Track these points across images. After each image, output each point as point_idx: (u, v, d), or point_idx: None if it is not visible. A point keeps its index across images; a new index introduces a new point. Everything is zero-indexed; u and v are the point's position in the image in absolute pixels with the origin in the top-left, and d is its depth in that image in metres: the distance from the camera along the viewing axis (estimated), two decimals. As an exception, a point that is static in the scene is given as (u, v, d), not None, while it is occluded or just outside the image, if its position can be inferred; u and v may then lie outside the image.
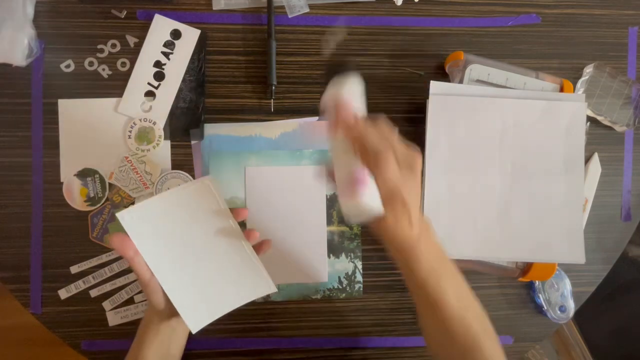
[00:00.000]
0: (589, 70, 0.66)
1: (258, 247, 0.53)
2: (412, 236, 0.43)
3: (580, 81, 0.66)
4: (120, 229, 0.46)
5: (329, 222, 0.64)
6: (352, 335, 0.64)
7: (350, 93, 0.44)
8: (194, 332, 0.50)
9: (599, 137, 0.67)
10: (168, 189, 0.61)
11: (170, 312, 0.50)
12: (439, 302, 0.45)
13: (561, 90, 0.62)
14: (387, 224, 0.43)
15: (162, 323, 0.51)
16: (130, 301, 0.62)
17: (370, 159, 0.41)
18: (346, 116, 0.42)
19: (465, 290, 0.48)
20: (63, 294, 0.61)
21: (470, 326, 0.46)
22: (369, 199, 0.41)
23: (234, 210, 0.50)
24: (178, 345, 0.55)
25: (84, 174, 0.61)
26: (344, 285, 0.64)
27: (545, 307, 0.64)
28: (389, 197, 0.42)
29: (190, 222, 0.49)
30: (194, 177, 0.62)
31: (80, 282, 0.61)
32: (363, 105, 0.45)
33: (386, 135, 0.43)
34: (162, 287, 0.48)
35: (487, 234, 0.60)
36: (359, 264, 0.64)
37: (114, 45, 0.63)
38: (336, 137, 0.43)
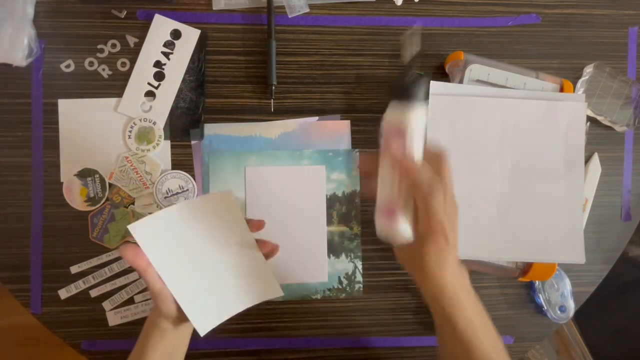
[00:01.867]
0: (589, 70, 0.66)
1: (266, 253, 0.53)
2: (448, 275, 0.43)
3: (580, 81, 0.66)
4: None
5: (329, 222, 0.64)
6: (352, 335, 0.64)
7: (412, 124, 0.40)
8: (202, 335, 0.50)
9: (599, 137, 0.67)
10: (168, 189, 0.62)
11: (178, 317, 0.50)
12: (471, 347, 0.44)
13: (561, 90, 0.62)
14: (427, 253, 0.42)
15: (168, 327, 0.51)
16: (130, 301, 0.62)
17: (420, 193, 0.41)
18: (396, 150, 0.41)
19: (502, 349, 0.46)
20: (63, 294, 0.61)
21: None
22: (400, 227, 0.42)
23: (249, 222, 0.50)
24: (182, 348, 0.55)
25: (84, 174, 0.61)
26: (344, 285, 0.64)
27: (545, 307, 0.64)
28: (433, 229, 0.42)
29: (205, 232, 0.49)
30: (194, 177, 0.62)
31: (80, 282, 0.61)
32: (422, 137, 0.42)
33: (439, 173, 0.42)
34: (172, 295, 0.48)
35: (487, 234, 0.60)
36: (359, 264, 0.64)
37: (114, 45, 0.63)
38: (386, 162, 0.42)
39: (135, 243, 0.45)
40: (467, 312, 0.45)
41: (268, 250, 0.52)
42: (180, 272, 0.48)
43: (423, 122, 0.41)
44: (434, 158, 0.43)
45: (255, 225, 0.51)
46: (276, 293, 0.54)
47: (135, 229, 0.45)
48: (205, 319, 0.51)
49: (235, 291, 0.53)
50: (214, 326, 0.51)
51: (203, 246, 0.49)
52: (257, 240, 0.52)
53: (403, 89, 0.39)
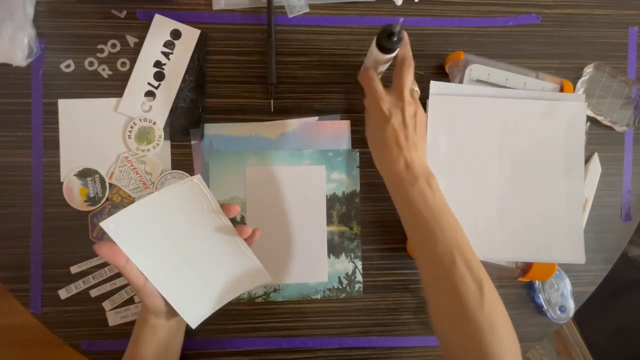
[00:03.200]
0: (589, 70, 0.66)
1: (248, 238, 0.52)
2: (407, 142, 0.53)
3: (580, 81, 0.66)
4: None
5: (329, 222, 0.64)
6: (352, 335, 0.64)
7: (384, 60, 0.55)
8: (193, 327, 0.50)
9: (599, 137, 0.67)
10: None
11: (168, 311, 0.50)
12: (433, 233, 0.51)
13: (561, 90, 0.62)
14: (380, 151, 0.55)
15: (159, 322, 0.51)
16: (130, 301, 0.62)
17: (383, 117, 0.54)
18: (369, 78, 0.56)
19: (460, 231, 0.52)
20: (63, 294, 0.61)
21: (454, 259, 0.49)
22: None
23: (224, 207, 0.49)
24: (177, 342, 0.55)
25: (84, 174, 0.61)
26: (344, 285, 0.64)
27: (545, 307, 0.64)
28: (388, 142, 0.53)
29: (181, 221, 0.49)
30: (194, 177, 0.62)
31: (80, 282, 0.61)
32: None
33: (399, 81, 0.54)
34: (157, 289, 0.48)
35: (487, 234, 0.60)
36: (359, 264, 0.64)
37: (114, 45, 0.63)
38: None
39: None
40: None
41: (249, 234, 0.51)
42: (161, 265, 0.48)
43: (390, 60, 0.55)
44: (399, 65, 0.54)
45: (230, 209, 0.50)
46: (265, 279, 0.53)
47: (108, 225, 0.44)
48: (195, 310, 0.50)
49: (222, 280, 0.52)
50: (205, 317, 0.51)
51: (181, 236, 0.49)
52: (236, 226, 0.51)
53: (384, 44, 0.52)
